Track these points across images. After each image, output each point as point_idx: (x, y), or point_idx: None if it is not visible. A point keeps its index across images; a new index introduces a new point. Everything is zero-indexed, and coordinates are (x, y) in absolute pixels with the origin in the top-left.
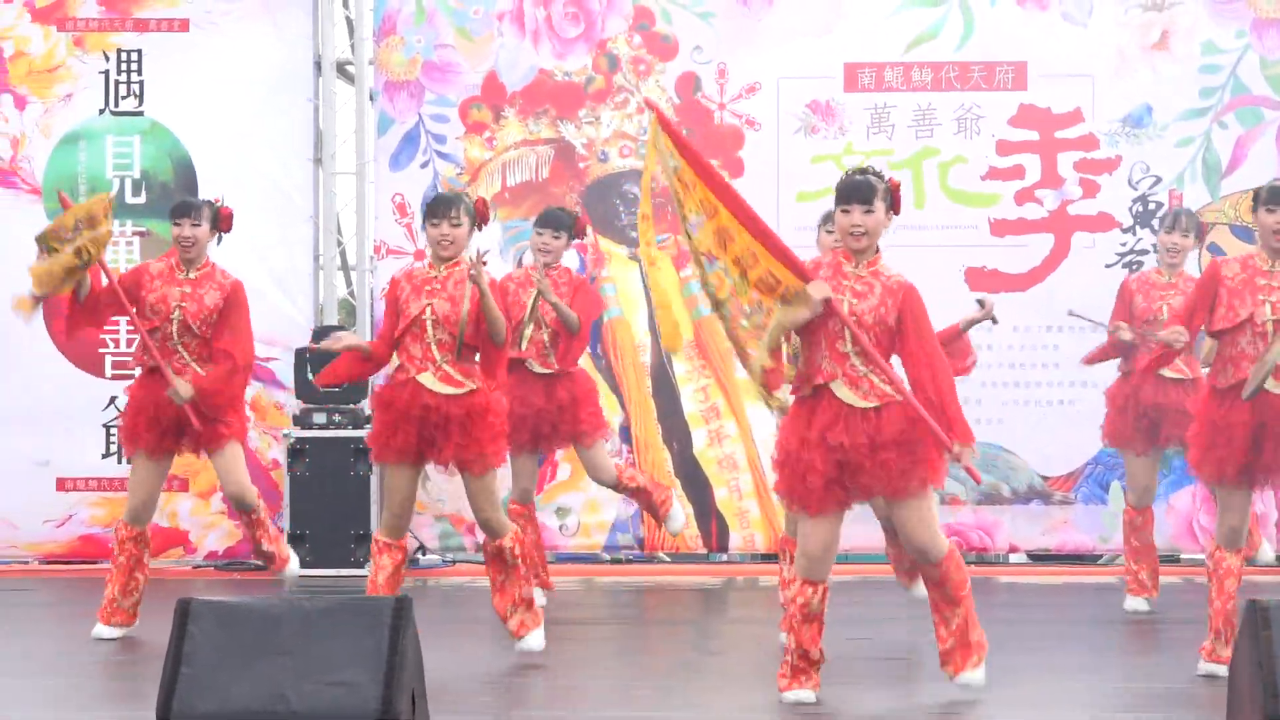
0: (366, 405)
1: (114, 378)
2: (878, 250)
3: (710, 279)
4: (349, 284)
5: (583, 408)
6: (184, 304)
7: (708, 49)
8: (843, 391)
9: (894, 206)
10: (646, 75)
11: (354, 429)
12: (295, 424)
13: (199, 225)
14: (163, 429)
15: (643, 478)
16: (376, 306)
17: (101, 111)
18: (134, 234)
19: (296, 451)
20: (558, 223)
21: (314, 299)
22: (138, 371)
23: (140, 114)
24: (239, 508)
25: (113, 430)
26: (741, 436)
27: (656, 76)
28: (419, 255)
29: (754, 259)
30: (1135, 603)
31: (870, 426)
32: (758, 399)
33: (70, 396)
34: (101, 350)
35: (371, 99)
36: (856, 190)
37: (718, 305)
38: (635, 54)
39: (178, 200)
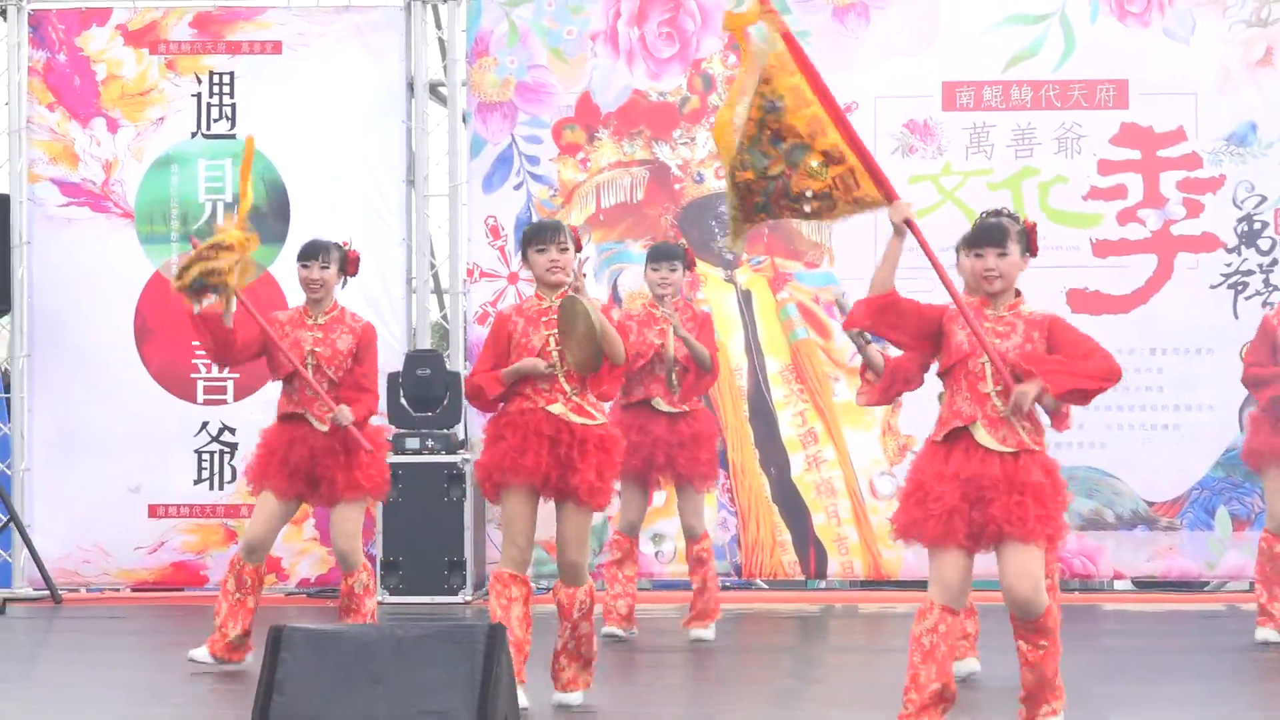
0: (461, 430)
1: (206, 403)
2: (1018, 293)
3: (768, 150)
4: (442, 307)
5: (704, 449)
6: (317, 349)
7: None
8: (982, 435)
9: (1030, 248)
10: None
11: (448, 454)
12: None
13: (327, 268)
14: (292, 472)
15: (712, 572)
16: (471, 330)
17: (194, 135)
18: None
19: (390, 477)
20: (673, 255)
21: (407, 322)
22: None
23: (232, 137)
24: (344, 567)
25: (204, 456)
26: (840, 462)
27: None
28: (513, 279)
29: (841, 157)
30: (1265, 633)
31: (1008, 468)
32: (857, 424)
33: (162, 422)
34: (194, 375)
35: (464, 120)
36: (989, 234)
37: (760, 175)
38: (730, 73)
39: (307, 242)
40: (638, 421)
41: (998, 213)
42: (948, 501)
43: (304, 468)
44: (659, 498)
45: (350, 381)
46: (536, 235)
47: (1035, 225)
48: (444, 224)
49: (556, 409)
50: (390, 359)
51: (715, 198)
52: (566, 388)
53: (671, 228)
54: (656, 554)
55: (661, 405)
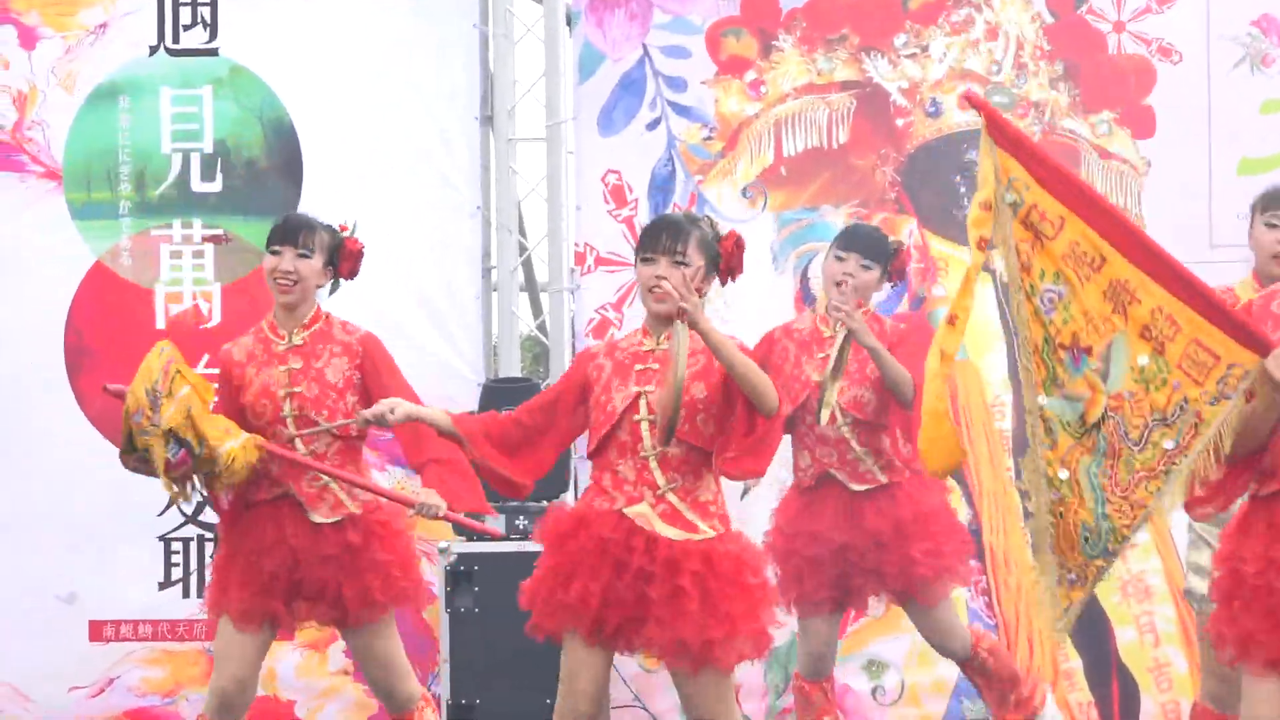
0: (570, 502)
1: None
2: None
3: (1072, 388)
4: (537, 312)
5: (920, 539)
6: (296, 386)
7: None
8: None
9: None
10: None
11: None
12: (456, 531)
13: (308, 256)
14: (263, 586)
15: (1006, 654)
16: (581, 345)
17: (154, 50)
18: (204, 239)
19: (458, 575)
20: (872, 247)
21: (484, 336)
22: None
23: (213, 52)
24: (391, 709)
25: (174, 546)
26: (1158, 546)
27: None
28: None
29: (1172, 326)
30: None
31: None
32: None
33: (109, 494)
34: None
35: (569, 23)
36: None
37: (1080, 431)
38: None
39: (279, 220)
40: (812, 513)
41: None
42: None
43: (283, 578)
44: (876, 603)
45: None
46: (646, 238)
47: None
48: (539, 184)
49: (640, 516)
50: (458, 392)
51: (960, 139)
52: (659, 478)
53: (892, 186)
54: (874, 690)
55: (844, 479)
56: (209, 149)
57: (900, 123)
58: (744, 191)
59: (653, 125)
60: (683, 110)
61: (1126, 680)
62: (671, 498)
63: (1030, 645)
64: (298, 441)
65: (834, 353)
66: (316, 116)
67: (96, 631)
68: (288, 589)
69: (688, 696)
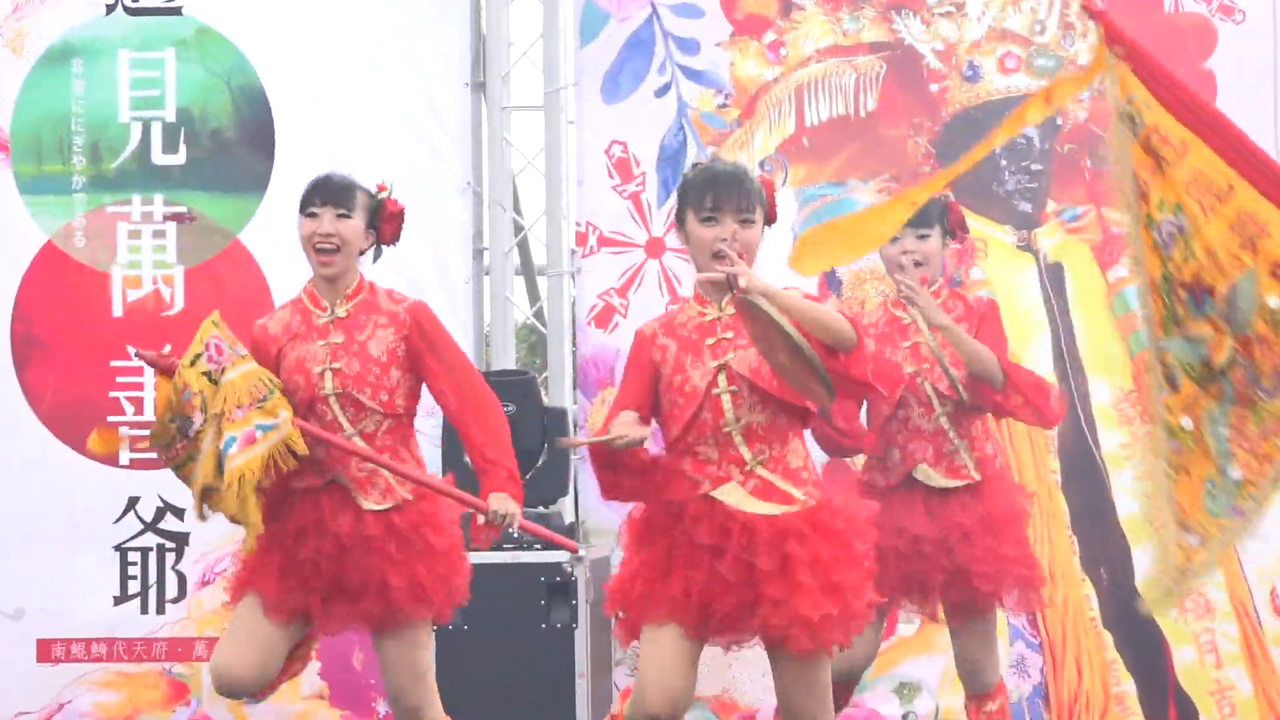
0: (569, 507)
1: (134, 465)
2: None
3: (1194, 328)
4: (534, 298)
5: (1004, 539)
6: (336, 362)
7: None
8: None
9: None
10: None
11: (549, 551)
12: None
13: (349, 217)
14: (303, 576)
15: None
16: (584, 335)
17: (110, 9)
18: (166, 217)
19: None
20: (920, 215)
21: (475, 324)
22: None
23: (176, 11)
24: None
25: (131, 557)
26: (1220, 557)
27: None
28: (654, 249)
29: None
30: None
31: None
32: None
33: (60, 499)
34: (113, 419)
35: None
36: None
37: (1204, 376)
38: None
39: (316, 178)
40: (889, 507)
41: None
42: None
43: (325, 569)
44: (906, 624)
45: (449, 402)
46: (712, 194)
47: None
48: (536, 157)
49: (732, 496)
50: None
51: (1001, 105)
52: (745, 453)
53: (925, 159)
54: (905, 717)
55: (934, 478)
56: (171, 118)
57: (934, 88)
58: (762, 165)
59: (662, 91)
60: (695, 75)
61: (1185, 705)
62: (762, 471)
63: (1079, 668)
64: (344, 419)
65: (926, 335)
66: (290, 82)
67: (45, 651)
68: (329, 584)
69: (793, 683)
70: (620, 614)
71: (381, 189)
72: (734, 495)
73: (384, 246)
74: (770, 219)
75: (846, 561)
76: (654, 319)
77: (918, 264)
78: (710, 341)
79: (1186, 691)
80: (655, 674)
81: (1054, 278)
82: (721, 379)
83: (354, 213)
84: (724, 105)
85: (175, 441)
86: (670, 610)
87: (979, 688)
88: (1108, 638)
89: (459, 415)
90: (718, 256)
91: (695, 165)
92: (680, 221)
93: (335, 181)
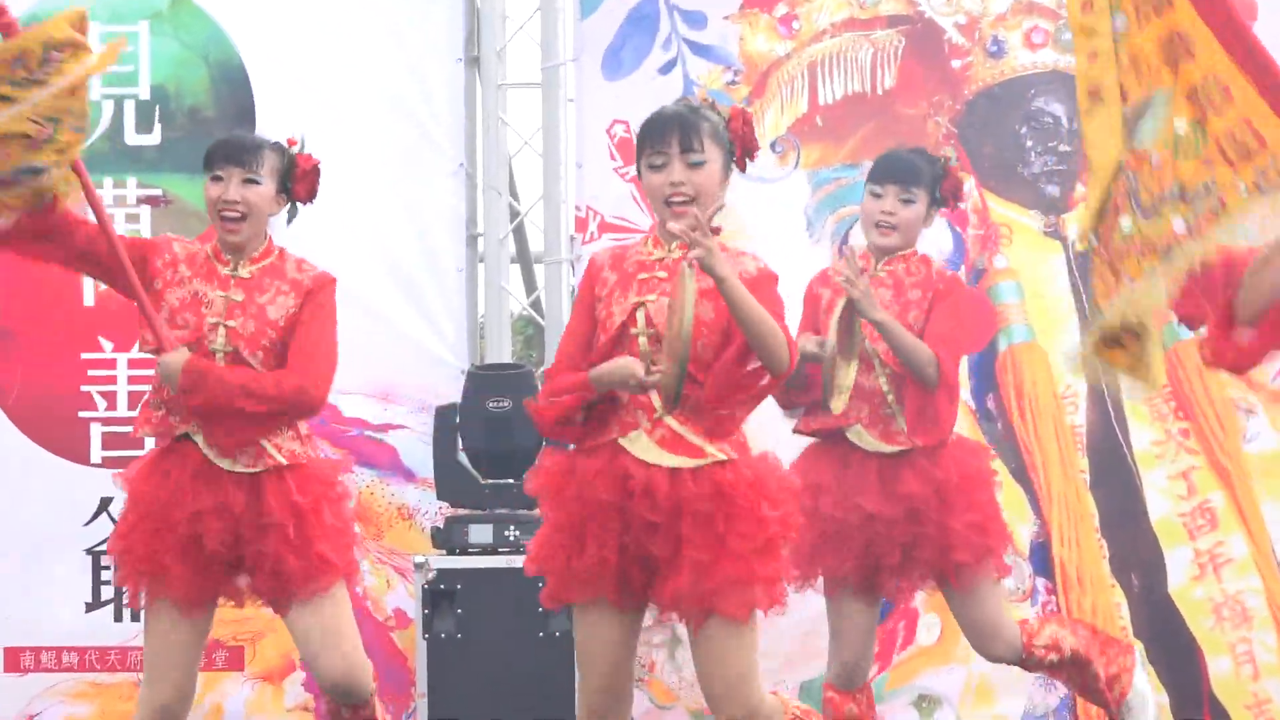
0: None
1: (106, 463)
2: None
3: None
4: (530, 288)
5: (959, 511)
6: (231, 319)
7: None
8: None
9: None
10: None
11: None
12: (436, 543)
13: (257, 182)
14: (200, 553)
15: (1074, 638)
16: None
17: None
18: (139, 200)
19: (438, 595)
20: (908, 173)
21: (468, 315)
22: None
23: None
24: (342, 699)
25: (104, 561)
26: (1258, 562)
27: None
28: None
29: (1225, 96)
30: None
31: None
32: None
33: (29, 502)
34: (84, 414)
35: None
36: None
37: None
38: None
39: (219, 138)
40: (836, 481)
41: None
42: None
43: (220, 543)
44: (927, 630)
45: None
46: (650, 138)
47: None
48: (534, 137)
49: (637, 444)
50: (439, 380)
51: (1025, 83)
52: (655, 401)
53: (947, 139)
54: None
55: (866, 438)
56: (145, 95)
57: (956, 64)
58: (773, 146)
59: (667, 68)
60: (702, 50)
61: (1220, 718)
62: (670, 421)
63: (1098, 637)
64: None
65: (833, 325)
66: (271, 57)
67: (13, 660)
68: (231, 561)
69: (702, 658)
70: (542, 580)
71: (291, 143)
72: (639, 444)
73: (299, 205)
74: (744, 154)
75: (751, 526)
76: (609, 248)
77: (890, 228)
78: (642, 276)
79: (1222, 704)
80: (594, 658)
81: (1083, 265)
82: (640, 318)
83: (262, 177)
84: (733, 82)
85: None
86: (592, 586)
87: (1002, 659)
88: (1139, 647)
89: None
90: (669, 204)
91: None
92: (638, 173)
93: (242, 142)
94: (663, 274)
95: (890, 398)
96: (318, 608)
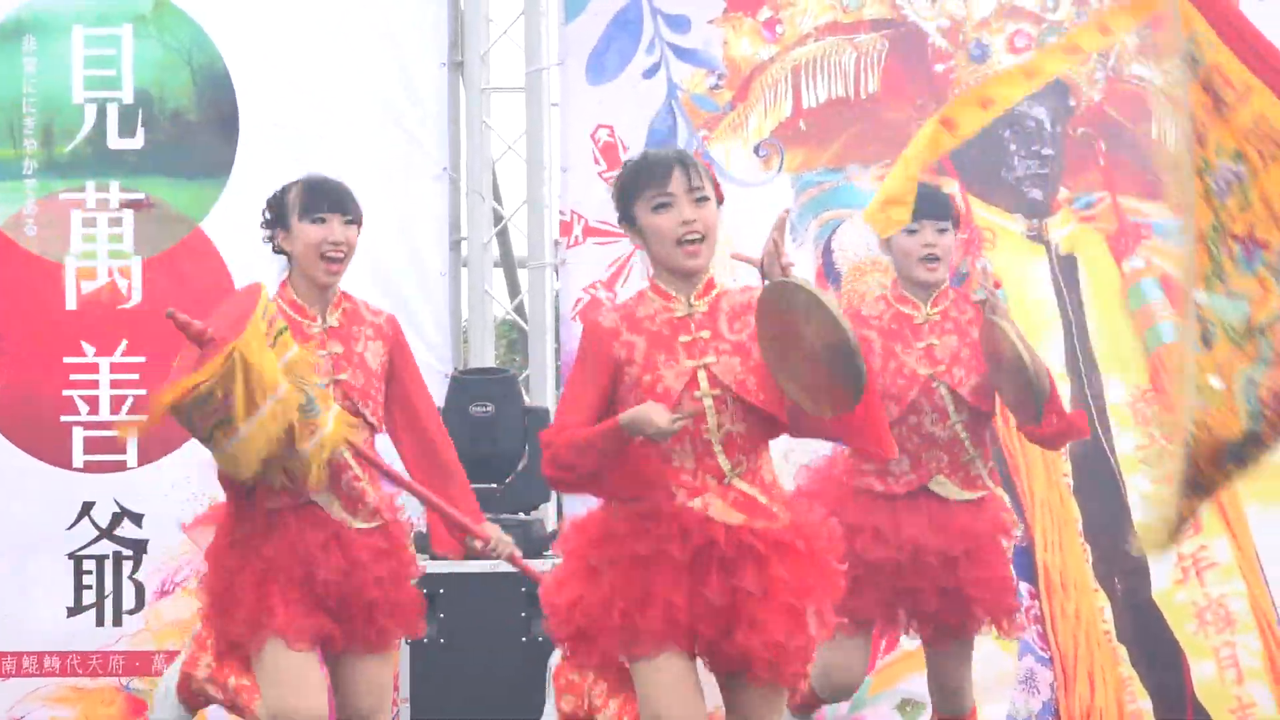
0: (550, 513)
1: (89, 469)
2: None
3: (1239, 284)
4: (514, 292)
5: (986, 564)
6: (340, 374)
7: None
8: None
9: None
10: None
11: (526, 557)
12: (418, 547)
13: (353, 223)
14: (320, 598)
15: None
16: (566, 330)
17: None
18: (123, 204)
19: (424, 600)
20: (939, 206)
21: (452, 320)
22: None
23: None
24: None
25: (86, 565)
26: (1241, 566)
27: None
28: None
29: None
30: None
31: None
32: (1274, 498)
33: (10, 506)
34: (66, 418)
35: None
36: None
37: (1243, 336)
38: None
39: (317, 179)
40: (889, 520)
41: None
42: None
43: (333, 592)
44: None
45: (401, 419)
46: (651, 177)
47: None
48: (517, 141)
49: (713, 506)
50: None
51: None
52: (724, 463)
53: None
54: None
55: (951, 490)
56: (129, 99)
57: (939, 68)
58: (757, 150)
59: (650, 72)
60: (686, 54)
61: (1202, 718)
62: (740, 484)
63: (1091, 683)
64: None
65: (1009, 346)
66: (254, 61)
67: None
68: (338, 607)
69: (752, 707)
70: (567, 643)
71: None
72: (716, 507)
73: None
74: (720, 195)
75: (824, 585)
76: (608, 310)
77: (935, 259)
78: (685, 339)
79: (1206, 708)
80: (678, 707)
81: (1066, 270)
82: (703, 381)
83: (356, 219)
84: (716, 87)
85: (208, 406)
86: (662, 639)
87: (956, 710)
88: (1122, 652)
89: (418, 438)
90: (682, 244)
91: (625, 163)
92: (629, 221)
93: (339, 187)
94: (704, 333)
95: (968, 443)
96: (385, 660)
